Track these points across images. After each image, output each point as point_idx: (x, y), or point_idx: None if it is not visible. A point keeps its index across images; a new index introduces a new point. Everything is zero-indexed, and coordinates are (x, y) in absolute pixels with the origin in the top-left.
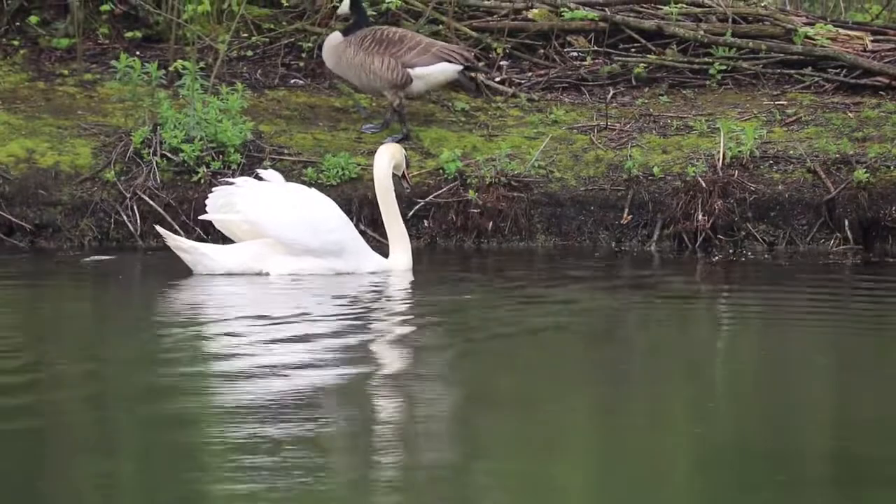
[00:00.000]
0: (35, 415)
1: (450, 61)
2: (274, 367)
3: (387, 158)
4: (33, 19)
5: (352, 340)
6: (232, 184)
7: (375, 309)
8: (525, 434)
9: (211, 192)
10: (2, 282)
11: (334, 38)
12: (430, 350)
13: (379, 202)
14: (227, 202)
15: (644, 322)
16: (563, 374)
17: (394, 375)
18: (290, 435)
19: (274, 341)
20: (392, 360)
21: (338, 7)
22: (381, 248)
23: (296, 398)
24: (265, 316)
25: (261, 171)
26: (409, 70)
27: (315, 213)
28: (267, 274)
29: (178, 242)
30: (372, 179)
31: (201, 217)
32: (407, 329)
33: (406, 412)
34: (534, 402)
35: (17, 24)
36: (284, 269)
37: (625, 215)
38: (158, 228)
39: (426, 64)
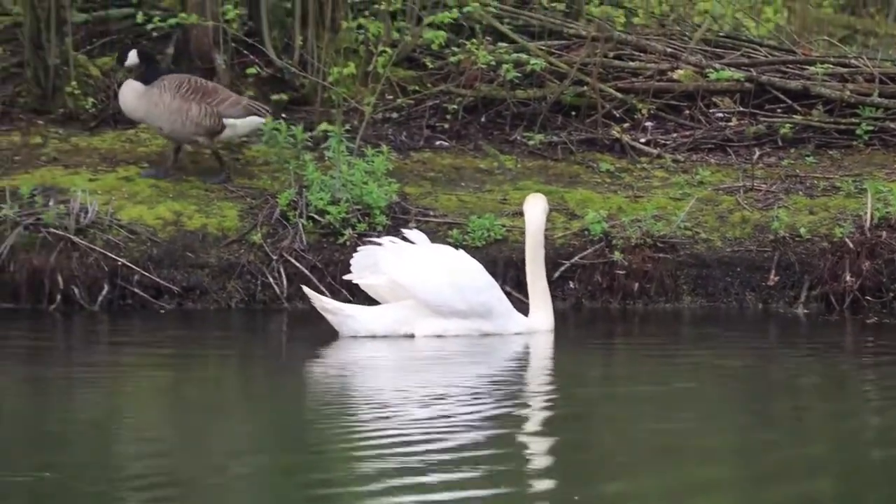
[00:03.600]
0: (176, 481)
1: (257, 115)
2: (423, 432)
3: (541, 210)
4: None
5: (499, 405)
6: (377, 244)
7: (522, 372)
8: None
9: (356, 253)
10: (146, 349)
11: (136, 85)
12: (576, 416)
13: (527, 256)
14: (372, 263)
15: (798, 385)
16: (716, 446)
17: (544, 440)
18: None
19: (422, 406)
20: (542, 425)
21: (480, 68)
22: (524, 309)
23: (446, 463)
24: (413, 379)
25: (406, 232)
26: (224, 119)
27: (462, 275)
28: (412, 336)
29: (324, 304)
30: (517, 241)
31: (345, 278)
32: (553, 394)
33: (558, 478)
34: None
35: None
36: (430, 330)
37: (771, 276)
38: (305, 289)
39: (238, 115)
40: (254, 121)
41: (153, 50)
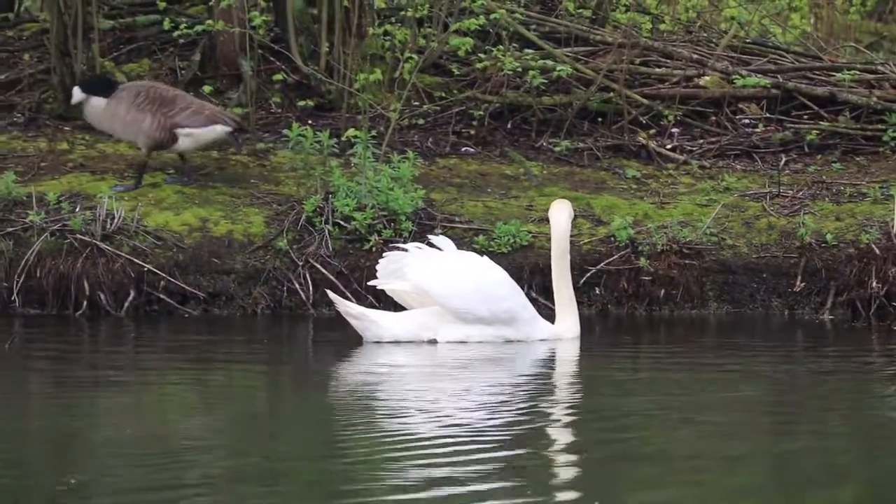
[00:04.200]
0: (200, 487)
1: (222, 123)
2: (446, 439)
3: (566, 215)
4: (207, 89)
5: (522, 412)
6: (403, 250)
7: (546, 379)
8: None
9: (382, 258)
10: (172, 355)
11: (98, 101)
12: (602, 424)
13: (553, 263)
14: (398, 269)
15: (825, 392)
16: (741, 453)
17: (568, 448)
18: None
19: (445, 413)
20: (567, 433)
21: (508, 74)
22: (550, 315)
23: (469, 470)
24: (434, 385)
25: (432, 238)
26: (179, 130)
27: (486, 282)
28: (435, 342)
29: (348, 308)
30: (543, 247)
31: (371, 283)
32: (578, 401)
33: (582, 487)
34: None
35: (191, 93)
36: (454, 336)
37: (798, 283)
38: (329, 293)
39: (198, 125)
40: (217, 130)
41: (93, 76)
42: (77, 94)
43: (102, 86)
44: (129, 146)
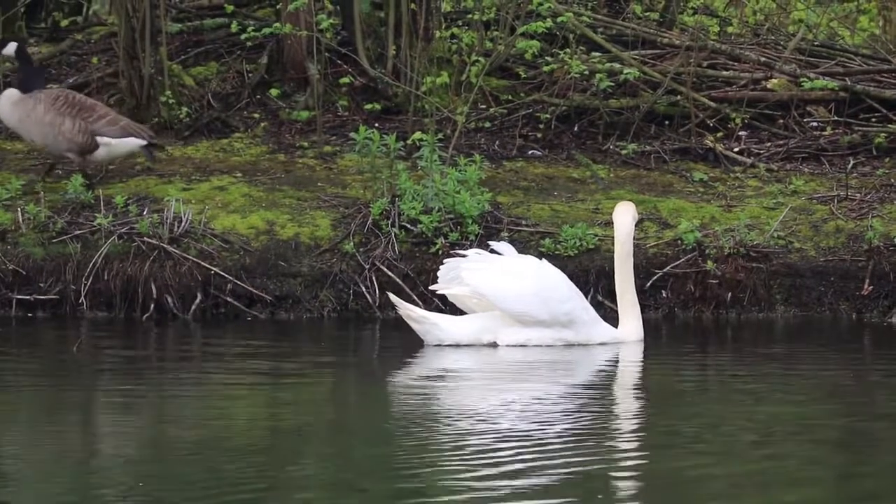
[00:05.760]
0: (265, 493)
1: (136, 136)
2: (504, 441)
3: (630, 217)
4: (274, 92)
5: (583, 418)
6: (463, 256)
7: (608, 384)
8: None
9: (442, 264)
10: (239, 358)
11: (13, 92)
12: (665, 432)
13: (616, 265)
14: (457, 274)
15: (893, 401)
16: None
17: (630, 455)
18: None
19: (506, 417)
20: (627, 441)
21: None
22: (616, 319)
23: (528, 479)
24: (495, 389)
25: (492, 244)
26: (99, 138)
27: (544, 285)
28: (495, 345)
29: (409, 311)
30: (609, 250)
31: (431, 288)
32: (640, 407)
33: (645, 499)
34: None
35: (258, 97)
36: (513, 340)
37: (865, 286)
38: (391, 296)
39: (114, 136)
40: (131, 142)
41: (31, 67)
42: (10, 48)
43: (26, 78)
44: (196, 149)
